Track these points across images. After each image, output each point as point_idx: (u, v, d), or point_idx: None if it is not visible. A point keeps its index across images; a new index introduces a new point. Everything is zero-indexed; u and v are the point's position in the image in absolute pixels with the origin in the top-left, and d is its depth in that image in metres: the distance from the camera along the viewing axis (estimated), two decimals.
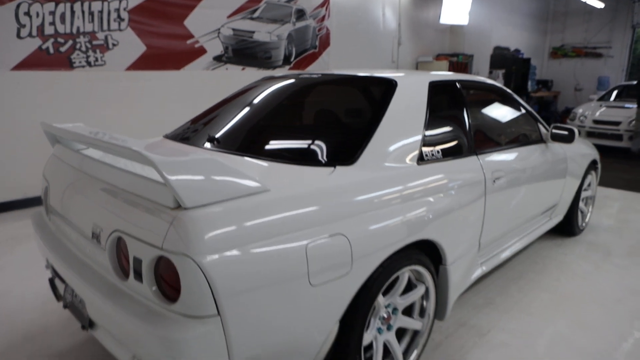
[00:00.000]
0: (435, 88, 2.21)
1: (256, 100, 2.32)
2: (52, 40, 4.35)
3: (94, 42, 4.62)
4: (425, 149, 1.99)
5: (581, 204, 3.70)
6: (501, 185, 2.38)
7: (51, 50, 4.37)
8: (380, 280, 1.65)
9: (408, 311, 2.00)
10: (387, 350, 1.89)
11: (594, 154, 3.66)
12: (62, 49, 4.44)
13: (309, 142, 1.94)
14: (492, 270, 3.05)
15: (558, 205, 3.25)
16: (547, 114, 11.40)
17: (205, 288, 1.21)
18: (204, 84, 5.50)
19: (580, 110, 8.06)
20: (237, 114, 2.24)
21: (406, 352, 1.99)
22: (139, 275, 1.33)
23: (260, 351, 1.37)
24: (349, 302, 1.57)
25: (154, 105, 5.14)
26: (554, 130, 2.92)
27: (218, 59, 5.67)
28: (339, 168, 1.67)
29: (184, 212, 1.26)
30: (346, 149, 1.78)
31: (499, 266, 3.11)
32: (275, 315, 1.37)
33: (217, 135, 2.08)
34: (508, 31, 10.97)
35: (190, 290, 1.21)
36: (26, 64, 4.25)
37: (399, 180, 1.78)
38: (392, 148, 1.85)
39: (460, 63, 8.35)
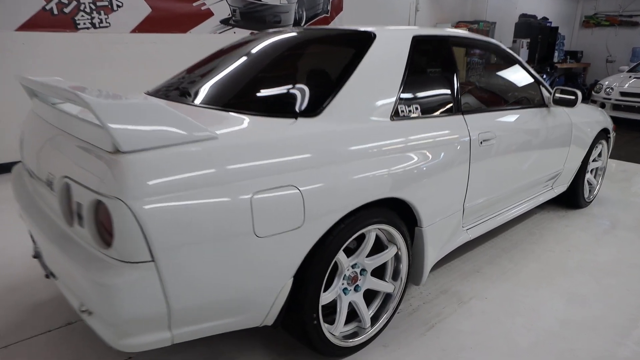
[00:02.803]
0: (420, 43, 2.08)
1: (230, 57, 2.25)
2: (55, 0, 4.33)
3: (98, 3, 4.58)
4: (401, 104, 1.89)
5: (589, 175, 3.52)
6: (490, 148, 2.26)
7: (55, 11, 4.36)
8: (340, 237, 1.59)
9: (381, 273, 1.95)
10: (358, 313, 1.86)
11: (606, 122, 3.45)
12: (66, 10, 4.42)
13: (274, 94, 1.86)
14: (485, 238, 2.96)
15: (561, 174, 3.10)
16: (574, 86, 10.88)
17: (137, 232, 1.18)
18: (210, 48, 5.39)
19: (606, 82, 7.66)
20: (210, 70, 2.18)
21: (377, 317, 1.95)
22: (82, 220, 1.32)
23: (204, 300, 1.35)
24: (304, 258, 1.52)
25: (160, 68, 5.08)
26: (556, 94, 2.75)
27: (225, 22, 5.56)
28: (300, 119, 1.60)
29: (120, 155, 1.22)
30: (311, 100, 1.70)
31: (492, 235, 3.01)
32: (218, 263, 1.33)
33: (189, 90, 2.03)
34: None
35: (122, 234, 1.19)
36: (30, 25, 4.25)
37: (366, 135, 1.69)
38: (362, 101, 1.76)
39: (481, 31, 7.99)
